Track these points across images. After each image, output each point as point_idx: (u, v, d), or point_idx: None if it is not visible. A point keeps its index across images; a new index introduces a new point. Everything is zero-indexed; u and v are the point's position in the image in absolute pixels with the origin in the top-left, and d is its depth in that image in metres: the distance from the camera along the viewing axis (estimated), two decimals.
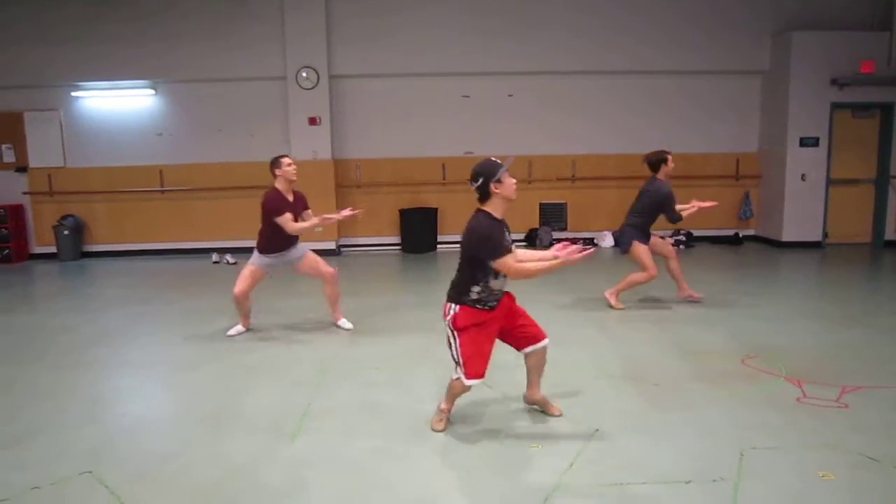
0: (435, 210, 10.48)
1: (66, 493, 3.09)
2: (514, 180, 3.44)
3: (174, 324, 6.31)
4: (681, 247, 10.28)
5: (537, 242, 10.43)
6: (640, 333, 5.64)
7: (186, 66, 10.11)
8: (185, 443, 3.65)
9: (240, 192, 10.32)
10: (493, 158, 3.47)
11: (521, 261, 3.52)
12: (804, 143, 10.05)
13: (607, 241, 10.59)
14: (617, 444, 3.46)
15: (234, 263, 9.59)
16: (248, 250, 10.16)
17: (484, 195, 3.42)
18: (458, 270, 3.55)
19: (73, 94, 10.34)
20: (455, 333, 3.52)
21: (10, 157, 10.57)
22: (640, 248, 6.33)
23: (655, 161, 6.30)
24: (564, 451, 3.38)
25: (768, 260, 9.51)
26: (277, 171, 5.64)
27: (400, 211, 10.46)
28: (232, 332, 5.89)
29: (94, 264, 10.08)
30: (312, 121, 10.03)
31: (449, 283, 3.59)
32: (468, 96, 10.52)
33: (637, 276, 6.41)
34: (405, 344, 5.42)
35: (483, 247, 3.35)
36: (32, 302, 8.04)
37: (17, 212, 10.53)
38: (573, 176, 10.67)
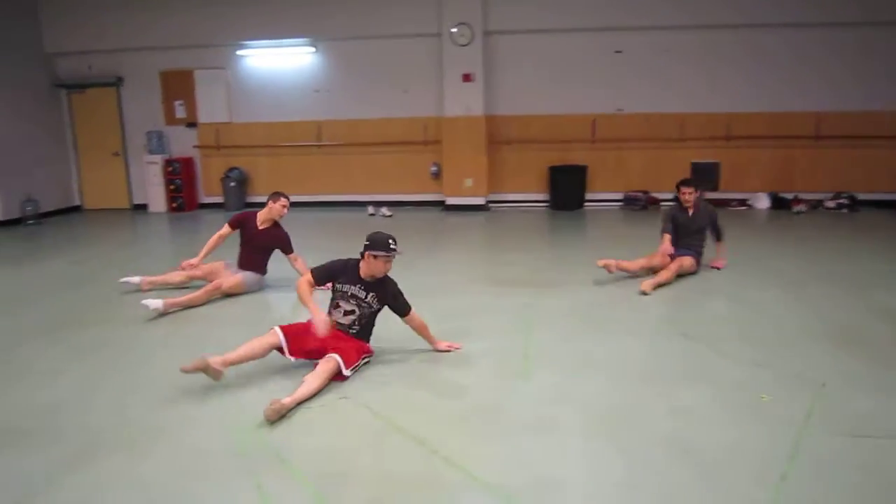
0: (584, 168, 10.43)
1: None
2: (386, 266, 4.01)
3: None
4: (844, 210, 9.83)
5: None
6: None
7: (345, 24, 10.42)
8: None
9: (393, 147, 10.71)
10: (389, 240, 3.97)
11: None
12: None
13: (761, 201, 10.24)
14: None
15: (390, 216, 9.97)
16: (403, 203, 10.74)
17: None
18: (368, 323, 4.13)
19: (239, 52, 10.95)
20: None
21: (181, 112, 11.40)
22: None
23: None
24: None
25: None
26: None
27: (549, 168, 10.52)
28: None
29: None
30: (466, 77, 10.13)
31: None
32: (620, 51, 10.30)
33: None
34: None
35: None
36: None
37: (188, 164, 11.38)
38: (727, 135, 10.28)
